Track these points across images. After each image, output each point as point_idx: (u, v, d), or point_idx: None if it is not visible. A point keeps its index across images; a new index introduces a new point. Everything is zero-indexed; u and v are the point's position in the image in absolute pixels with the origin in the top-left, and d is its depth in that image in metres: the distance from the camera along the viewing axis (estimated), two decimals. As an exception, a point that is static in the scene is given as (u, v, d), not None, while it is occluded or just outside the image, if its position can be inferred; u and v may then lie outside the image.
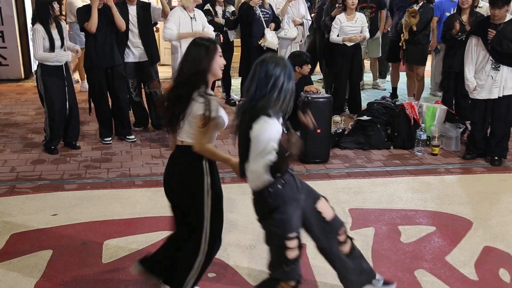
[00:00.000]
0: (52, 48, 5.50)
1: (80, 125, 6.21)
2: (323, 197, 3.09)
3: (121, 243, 3.94)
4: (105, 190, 4.90)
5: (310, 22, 7.84)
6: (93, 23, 5.68)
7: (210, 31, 5.83)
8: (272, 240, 2.86)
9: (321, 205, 3.03)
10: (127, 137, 6.26)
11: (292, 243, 2.81)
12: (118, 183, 5.08)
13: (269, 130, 2.67)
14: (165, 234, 4.05)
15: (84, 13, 5.79)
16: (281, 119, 2.80)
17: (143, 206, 4.56)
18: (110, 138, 6.22)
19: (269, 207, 2.80)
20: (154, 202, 4.62)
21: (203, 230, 2.99)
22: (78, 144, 6.02)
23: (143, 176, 5.24)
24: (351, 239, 3.16)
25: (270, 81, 2.71)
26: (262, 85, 2.72)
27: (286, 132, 2.84)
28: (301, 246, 2.87)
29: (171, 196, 3.10)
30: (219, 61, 2.95)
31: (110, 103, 6.21)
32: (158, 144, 6.18)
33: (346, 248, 3.11)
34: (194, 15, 5.69)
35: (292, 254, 2.82)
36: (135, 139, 6.27)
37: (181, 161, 3.00)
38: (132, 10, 6.15)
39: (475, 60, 5.46)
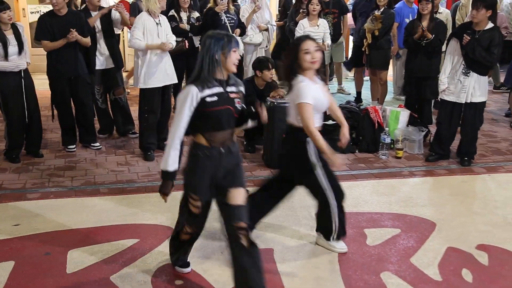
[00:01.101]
0: (6, 54, 5.36)
1: (43, 133, 6.08)
2: (246, 190, 3.31)
3: (86, 252, 3.87)
4: (69, 198, 4.81)
5: (275, 28, 7.89)
6: (51, 48, 5.65)
7: (172, 40, 5.81)
8: (184, 189, 3.26)
9: (235, 192, 3.16)
10: (92, 144, 6.16)
11: (195, 203, 3.20)
12: (82, 191, 4.99)
13: (181, 94, 3.06)
14: (131, 242, 4.01)
15: (47, 27, 5.62)
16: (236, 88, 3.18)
17: (108, 214, 4.49)
18: (74, 146, 6.11)
19: (187, 163, 3.18)
20: (120, 210, 4.56)
21: (323, 190, 3.71)
22: (41, 152, 5.89)
23: (108, 183, 5.17)
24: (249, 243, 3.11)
25: (203, 52, 3.06)
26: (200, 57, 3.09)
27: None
28: (204, 210, 3.26)
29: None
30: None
31: (73, 110, 6.10)
32: (124, 151, 6.10)
33: (244, 242, 3.09)
34: (159, 20, 5.65)
35: (193, 210, 3.22)
36: (100, 147, 6.17)
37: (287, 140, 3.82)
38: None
39: (452, 62, 5.55)
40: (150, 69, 5.60)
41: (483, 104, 5.64)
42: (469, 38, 5.30)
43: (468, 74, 5.43)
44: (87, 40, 5.80)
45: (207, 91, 3.03)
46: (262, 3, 7.48)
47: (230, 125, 3.15)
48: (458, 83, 5.49)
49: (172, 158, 3.07)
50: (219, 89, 3.07)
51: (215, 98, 3.04)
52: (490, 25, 5.37)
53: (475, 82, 5.45)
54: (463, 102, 5.52)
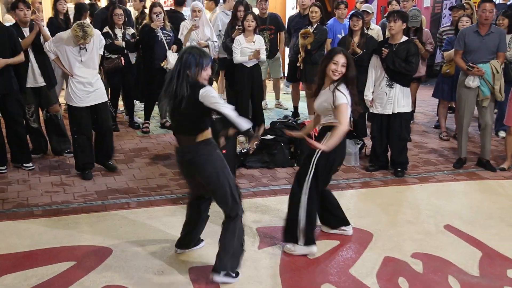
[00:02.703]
0: None
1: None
2: None
3: (20, 278, 3.72)
4: (0, 222, 4.61)
5: (216, 44, 7.88)
6: None
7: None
8: (226, 182, 3.64)
9: None
10: (24, 164, 5.93)
11: None
12: (14, 214, 4.79)
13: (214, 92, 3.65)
14: (67, 265, 3.88)
15: None
16: None
17: (42, 237, 4.33)
18: (5, 167, 5.86)
19: (217, 160, 3.64)
20: (55, 232, 4.41)
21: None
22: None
23: (42, 205, 4.99)
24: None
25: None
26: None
27: None
28: None
29: None
30: None
31: (4, 130, 5.87)
32: (59, 171, 5.91)
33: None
34: (85, 45, 5.47)
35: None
36: (33, 167, 5.95)
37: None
38: (26, 32, 5.92)
39: (374, 77, 5.82)
40: (75, 87, 5.50)
41: (408, 114, 5.93)
42: (387, 51, 5.61)
43: (392, 86, 5.72)
44: (21, 57, 5.65)
45: None
46: (202, 20, 7.48)
47: None
48: (384, 95, 5.76)
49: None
50: None
51: None
52: (404, 38, 5.75)
53: (399, 92, 5.72)
54: (390, 113, 5.77)
